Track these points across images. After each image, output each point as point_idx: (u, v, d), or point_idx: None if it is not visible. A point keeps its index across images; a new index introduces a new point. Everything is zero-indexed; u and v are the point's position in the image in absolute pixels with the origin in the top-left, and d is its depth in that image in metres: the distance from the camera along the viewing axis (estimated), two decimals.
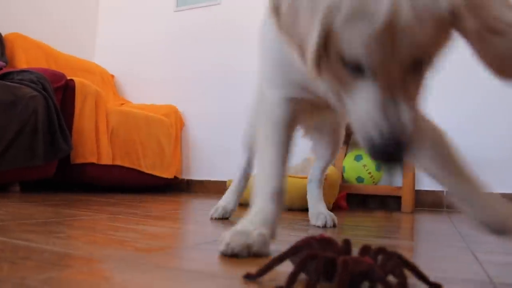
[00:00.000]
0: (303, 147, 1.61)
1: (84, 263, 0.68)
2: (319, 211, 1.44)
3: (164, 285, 0.57)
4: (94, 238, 0.93)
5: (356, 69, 0.61)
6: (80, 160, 2.62)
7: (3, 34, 3.10)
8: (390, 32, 0.55)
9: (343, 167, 2.79)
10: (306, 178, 2.16)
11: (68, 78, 2.68)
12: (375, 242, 1.11)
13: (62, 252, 0.75)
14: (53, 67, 3.31)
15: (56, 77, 2.56)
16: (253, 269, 0.61)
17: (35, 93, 2.32)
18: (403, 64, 0.58)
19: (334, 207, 2.37)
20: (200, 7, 3.86)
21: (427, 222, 1.79)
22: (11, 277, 0.55)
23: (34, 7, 3.69)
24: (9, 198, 1.91)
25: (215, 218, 1.46)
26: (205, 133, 3.63)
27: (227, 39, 3.69)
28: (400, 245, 1.11)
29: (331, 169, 2.34)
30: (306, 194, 1.59)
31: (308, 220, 1.50)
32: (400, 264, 0.56)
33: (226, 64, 3.64)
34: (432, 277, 0.68)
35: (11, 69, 2.65)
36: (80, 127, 2.64)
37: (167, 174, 3.37)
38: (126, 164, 2.97)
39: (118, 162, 2.91)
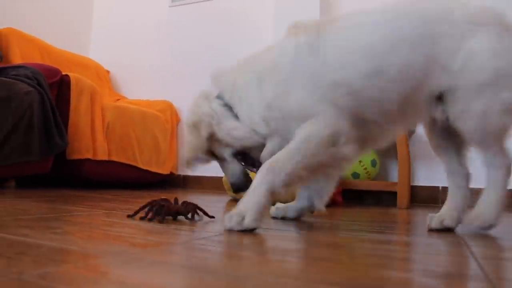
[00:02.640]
0: None
1: (81, 258, 0.68)
2: None
3: (161, 281, 0.57)
4: (91, 234, 0.93)
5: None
6: (76, 156, 2.61)
7: None
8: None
9: None
10: None
11: (63, 73, 2.67)
12: (370, 237, 1.12)
13: (58, 248, 0.75)
14: (48, 62, 3.29)
15: (51, 72, 2.54)
16: (247, 265, 0.61)
17: (30, 88, 2.30)
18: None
19: (329, 203, 2.38)
20: (195, 2, 3.85)
21: (423, 218, 1.80)
22: (8, 272, 0.55)
23: (29, 2, 3.66)
24: (5, 194, 1.91)
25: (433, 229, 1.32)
26: None
27: (222, 34, 3.68)
28: (395, 240, 1.11)
29: None
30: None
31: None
32: (195, 206, 1.32)
33: (221, 59, 3.62)
34: (428, 272, 0.68)
35: (6, 65, 2.63)
36: (75, 122, 2.63)
37: (163, 170, 3.37)
38: (122, 160, 2.97)
39: (114, 158, 2.90)
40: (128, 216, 1.27)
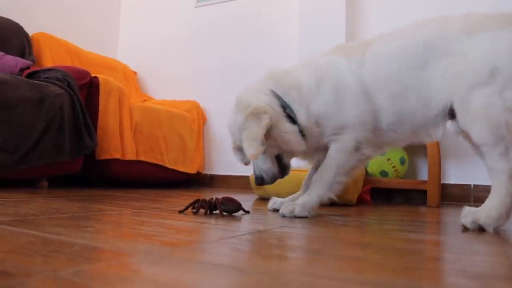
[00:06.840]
0: None
1: (113, 257, 0.69)
2: None
3: (192, 279, 0.57)
4: (121, 232, 0.94)
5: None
6: (105, 156, 2.66)
7: (30, 34, 3.17)
8: None
9: None
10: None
11: (92, 75, 2.72)
12: (401, 236, 1.10)
13: (91, 246, 0.76)
14: (78, 65, 3.37)
15: (80, 74, 2.60)
16: (278, 264, 0.60)
17: (61, 90, 2.36)
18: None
19: (358, 201, 2.35)
20: (220, 2, 3.86)
21: (454, 216, 1.76)
22: (44, 270, 0.56)
23: (59, 7, 3.75)
24: (38, 193, 1.96)
25: None
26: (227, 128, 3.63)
27: (247, 34, 3.68)
28: (427, 239, 1.09)
29: None
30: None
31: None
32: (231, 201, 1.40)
33: (247, 59, 3.64)
34: (462, 272, 0.66)
35: (38, 68, 2.70)
36: (104, 123, 2.68)
37: (190, 169, 3.40)
38: (150, 160, 3.01)
39: (142, 158, 2.95)
40: (179, 212, 1.42)
